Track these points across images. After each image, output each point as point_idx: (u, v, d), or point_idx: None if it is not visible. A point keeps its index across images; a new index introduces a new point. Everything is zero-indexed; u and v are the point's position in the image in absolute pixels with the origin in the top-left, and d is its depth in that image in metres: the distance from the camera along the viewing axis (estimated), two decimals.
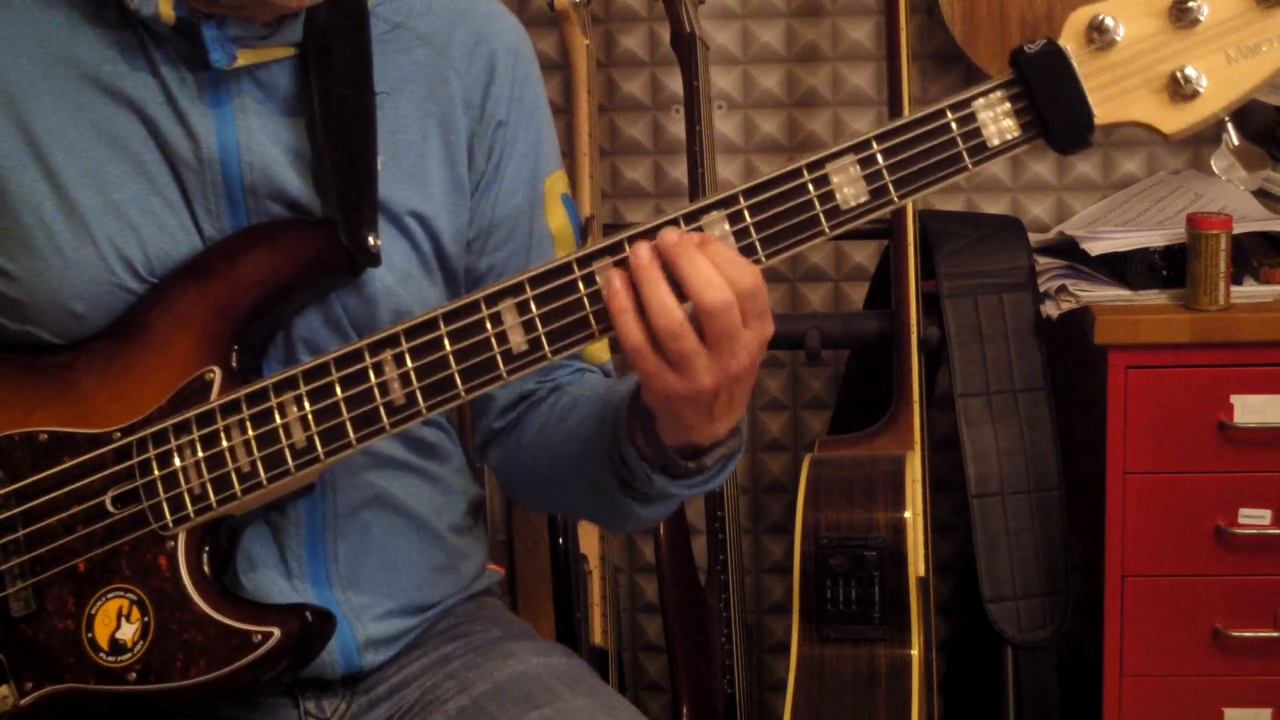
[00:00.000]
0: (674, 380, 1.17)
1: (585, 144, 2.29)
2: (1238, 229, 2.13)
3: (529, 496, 1.52)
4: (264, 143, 1.31)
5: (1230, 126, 1.21)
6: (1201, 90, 1.16)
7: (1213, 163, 1.25)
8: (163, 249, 1.30)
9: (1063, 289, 2.25)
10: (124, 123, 1.30)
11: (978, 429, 2.22)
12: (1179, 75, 1.16)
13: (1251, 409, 2.14)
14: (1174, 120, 1.18)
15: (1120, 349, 2.15)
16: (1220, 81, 1.16)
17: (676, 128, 2.59)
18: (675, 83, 2.49)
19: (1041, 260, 2.33)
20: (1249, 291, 2.17)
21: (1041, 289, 2.27)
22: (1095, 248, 2.24)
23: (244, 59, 1.28)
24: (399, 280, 1.35)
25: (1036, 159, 2.56)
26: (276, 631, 1.26)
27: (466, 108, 1.38)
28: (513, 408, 1.48)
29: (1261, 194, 2.37)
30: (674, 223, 1.19)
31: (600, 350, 1.49)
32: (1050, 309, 2.25)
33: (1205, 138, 2.53)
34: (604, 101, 2.59)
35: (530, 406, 1.47)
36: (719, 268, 1.14)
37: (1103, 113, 1.17)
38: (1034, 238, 2.38)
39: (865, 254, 2.62)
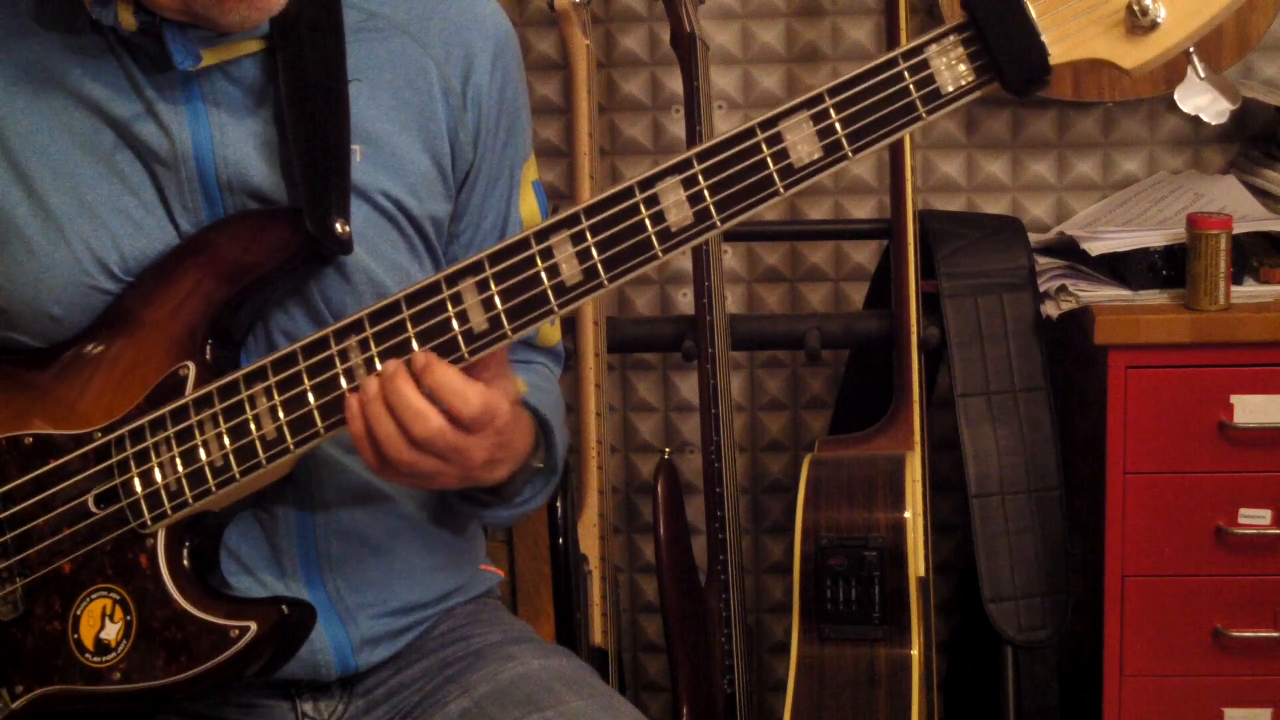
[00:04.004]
0: (418, 481, 1.27)
1: (585, 144, 2.29)
2: (1238, 229, 2.13)
3: None
4: (238, 137, 1.31)
5: (1195, 59, 1.17)
6: (1160, 21, 1.12)
7: (1178, 99, 1.21)
8: (139, 248, 1.30)
9: (1063, 289, 2.25)
10: (95, 126, 1.30)
11: (978, 429, 2.22)
12: (1135, 7, 1.12)
13: (1251, 409, 2.14)
14: (1133, 55, 1.14)
15: (1120, 349, 2.15)
16: (1179, 11, 1.12)
17: (676, 128, 2.59)
18: (675, 83, 2.48)
19: (1041, 260, 2.33)
20: (1249, 291, 2.17)
21: (1041, 289, 2.27)
22: (1095, 248, 2.24)
23: (209, 58, 1.29)
24: (383, 268, 1.34)
25: (1036, 159, 2.56)
26: (253, 626, 1.26)
27: (446, 96, 1.38)
28: None
29: (1261, 194, 2.37)
30: (629, 191, 1.19)
31: (552, 332, 1.51)
32: (1050, 309, 2.25)
33: (1205, 138, 2.53)
34: (604, 101, 2.59)
35: None
36: (443, 391, 1.20)
37: (1058, 51, 1.14)
38: (1034, 238, 2.37)
39: (865, 254, 2.62)
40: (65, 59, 1.30)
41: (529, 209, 1.46)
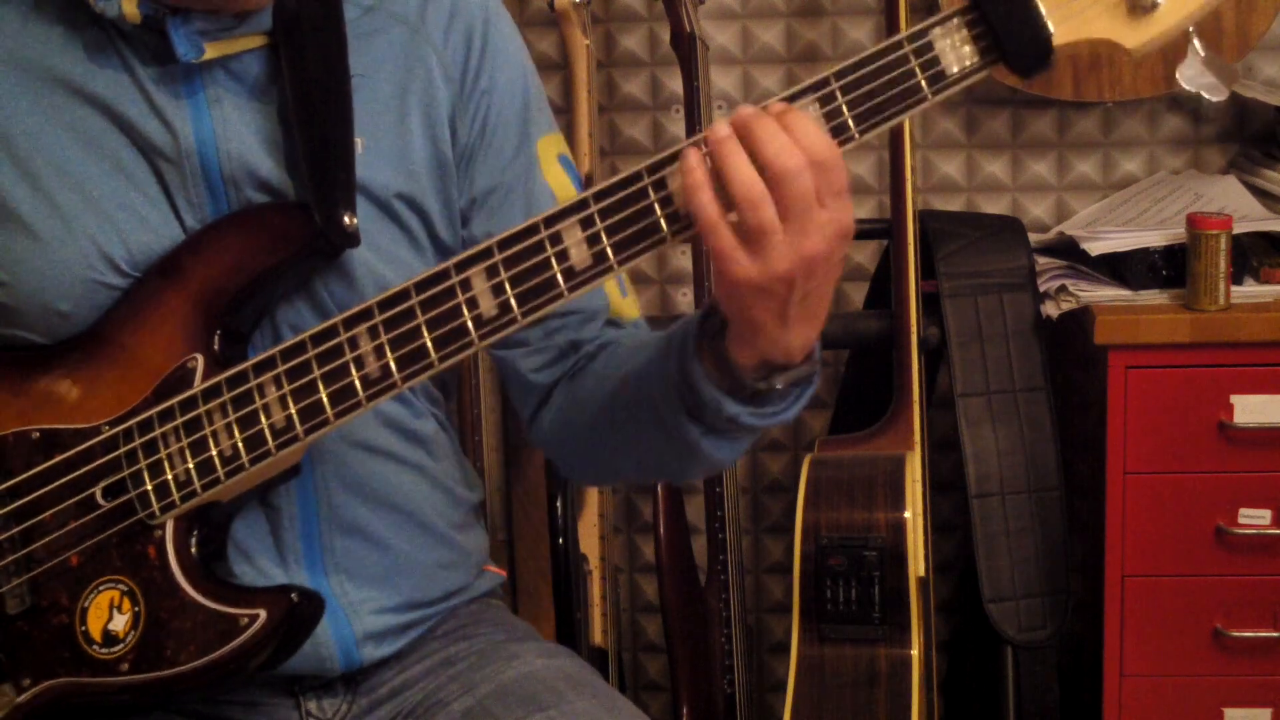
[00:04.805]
0: (749, 264, 1.14)
1: (585, 144, 2.29)
2: (1238, 229, 2.13)
3: (585, 458, 1.46)
4: (241, 132, 1.31)
5: (1195, 39, 1.18)
6: (1160, 2, 1.14)
7: (1179, 76, 1.22)
8: (144, 243, 1.30)
9: (1063, 289, 2.25)
10: (99, 122, 1.30)
11: (978, 429, 2.22)
12: None
13: (1251, 409, 2.14)
14: (1135, 35, 1.15)
15: (1120, 349, 2.15)
16: None
17: (676, 128, 2.59)
18: (675, 83, 2.48)
19: (1041, 260, 2.33)
20: (1249, 291, 2.17)
21: (1041, 289, 2.27)
22: (1095, 248, 2.24)
23: (212, 51, 1.29)
24: (385, 263, 1.35)
25: (1036, 159, 2.56)
26: (262, 614, 1.26)
27: (447, 82, 1.38)
28: (555, 363, 1.44)
29: (1261, 194, 2.37)
30: (637, 175, 1.17)
31: (629, 307, 1.47)
32: (1050, 309, 2.25)
33: (1205, 138, 2.53)
34: (604, 101, 2.59)
35: (585, 360, 1.43)
36: (794, 134, 1.13)
37: (1061, 32, 1.15)
38: (1034, 238, 2.38)
39: (865, 254, 2.62)
40: (67, 56, 1.30)
41: (558, 182, 1.45)
